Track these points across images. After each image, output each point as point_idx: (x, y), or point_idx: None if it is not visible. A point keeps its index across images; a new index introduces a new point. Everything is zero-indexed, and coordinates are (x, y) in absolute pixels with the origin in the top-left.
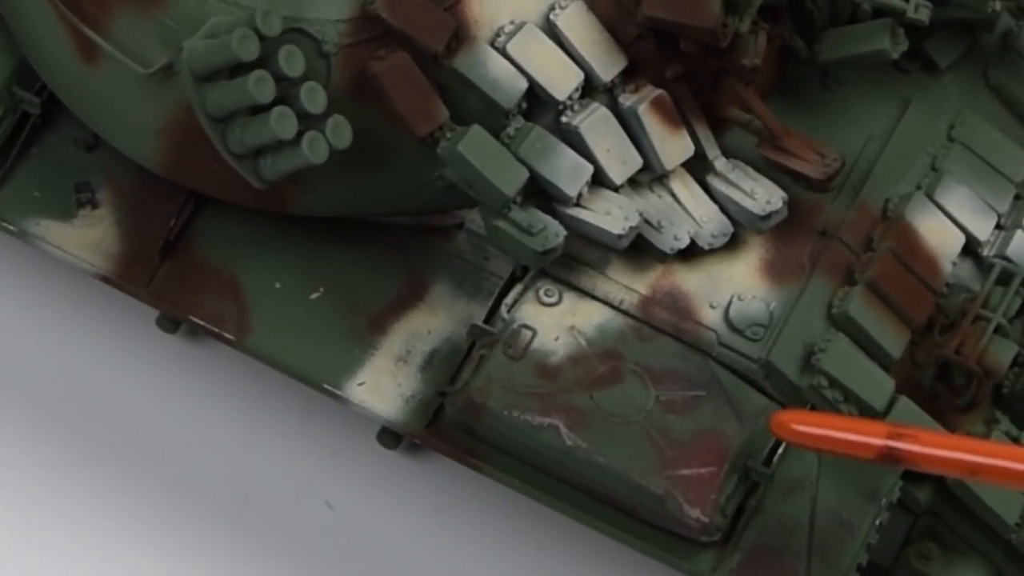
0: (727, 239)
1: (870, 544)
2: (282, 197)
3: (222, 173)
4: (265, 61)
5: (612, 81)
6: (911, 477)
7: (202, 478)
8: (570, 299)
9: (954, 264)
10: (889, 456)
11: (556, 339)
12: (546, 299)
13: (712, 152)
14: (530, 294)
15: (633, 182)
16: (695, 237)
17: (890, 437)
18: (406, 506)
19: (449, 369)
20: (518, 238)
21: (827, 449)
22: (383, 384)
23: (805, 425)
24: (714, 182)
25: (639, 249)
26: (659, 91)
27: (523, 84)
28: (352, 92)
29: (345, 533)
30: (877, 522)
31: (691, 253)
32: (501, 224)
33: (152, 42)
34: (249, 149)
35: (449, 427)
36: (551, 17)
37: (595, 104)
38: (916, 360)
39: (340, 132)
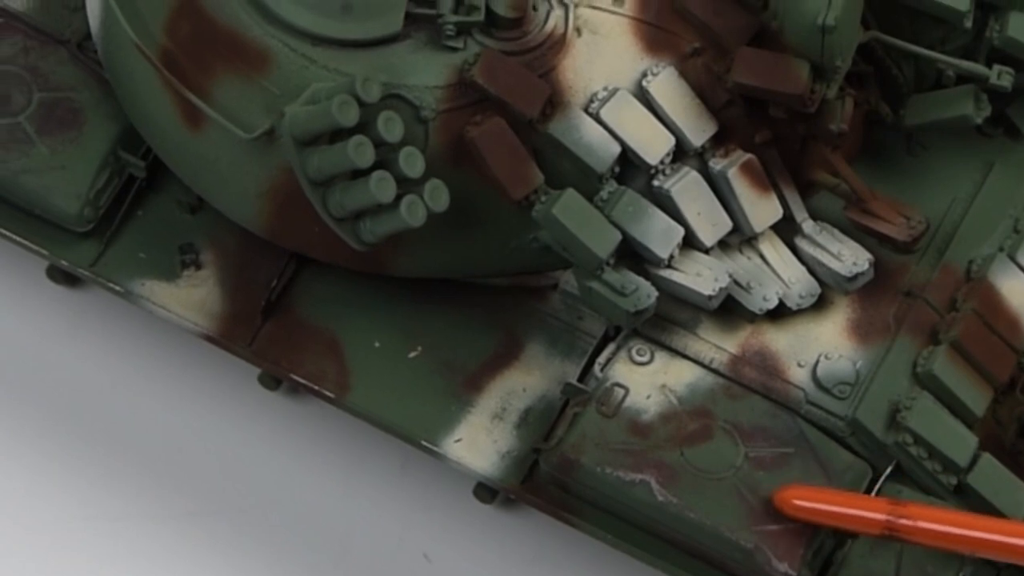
0: (815, 300)
1: None
2: (381, 259)
3: (323, 235)
4: (365, 127)
5: (703, 146)
6: None
7: (303, 531)
8: (662, 358)
9: None
10: (890, 533)
11: (648, 397)
12: (638, 358)
13: (800, 215)
14: (623, 353)
15: (723, 244)
16: (783, 298)
17: (890, 514)
18: (501, 558)
19: (543, 426)
20: (611, 299)
21: (830, 525)
22: (479, 441)
23: (806, 501)
24: (802, 244)
25: (729, 309)
26: (748, 155)
27: (616, 149)
28: (449, 156)
29: None
30: (961, 575)
31: (779, 313)
32: (595, 285)
33: (254, 108)
34: (349, 212)
35: (543, 483)
36: (643, 84)
37: (686, 168)
38: (999, 418)
39: (438, 196)
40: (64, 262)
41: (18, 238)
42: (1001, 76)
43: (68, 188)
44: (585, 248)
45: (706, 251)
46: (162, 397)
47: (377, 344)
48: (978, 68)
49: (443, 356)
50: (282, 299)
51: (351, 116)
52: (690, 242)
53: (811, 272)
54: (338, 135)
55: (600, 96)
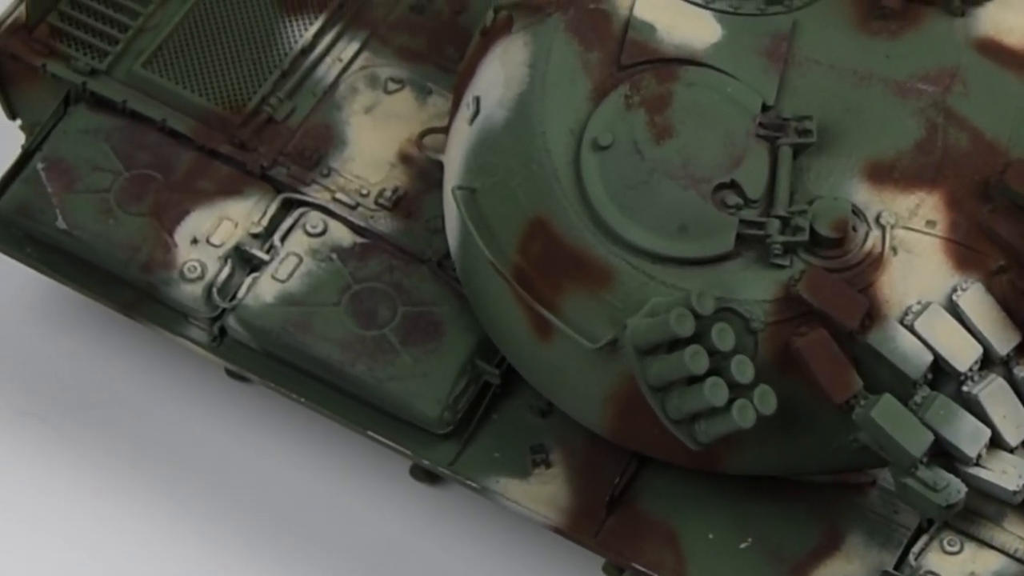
0: None
1: None
2: (715, 457)
3: (661, 436)
4: (699, 337)
5: (1008, 354)
6: None
7: None
8: (970, 548)
9: None
10: None
11: None
12: (949, 548)
13: None
14: (935, 544)
15: None
16: None
17: None
18: None
19: None
20: (924, 494)
21: None
22: None
23: None
24: None
25: None
26: None
27: (929, 357)
28: (776, 364)
29: None
30: None
31: None
32: (909, 482)
33: (598, 320)
34: (685, 415)
35: None
36: (953, 297)
37: (993, 375)
38: None
39: (766, 400)
40: (426, 461)
41: (384, 440)
42: None
43: (429, 394)
44: (901, 448)
45: (1011, 450)
46: None
47: (711, 535)
48: None
49: (771, 547)
50: (624, 494)
51: (688, 327)
52: (996, 442)
53: None
54: (675, 344)
55: (914, 309)
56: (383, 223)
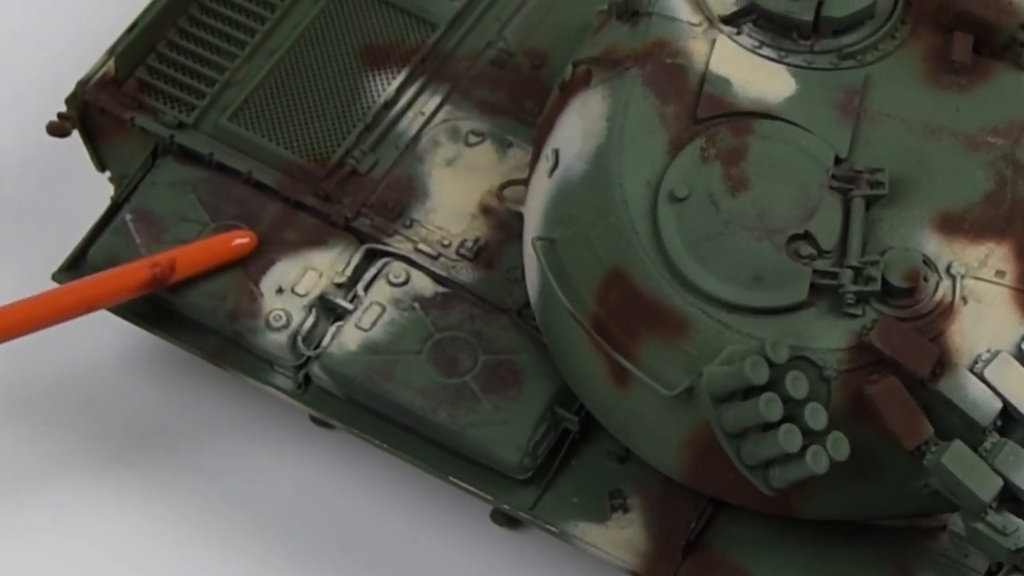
0: None
1: None
2: (788, 502)
3: (737, 482)
4: (774, 384)
5: None
6: None
7: None
8: None
9: None
10: None
11: None
12: None
13: None
14: None
15: None
16: None
17: None
18: None
19: None
20: (994, 538)
21: None
22: None
23: None
24: None
25: None
26: None
27: (998, 404)
28: (849, 411)
29: None
30: None
31: None
32: (979, 526)
33: (675, 368)
34: (760, 461)
35: None
36: (1022, 346)
37: None
38: None
39: (839, 446)
40: (506, 506)
41: (466, 485)
42: None
43: (510, 440)
44: (971, 493)
45: None
46: None
47: None
48: None
49: None
50: (700, 538)
51: (762, 375)
52: None
53: None
54: (750, 392)
55: (983, 357)
56: (464, 273)
